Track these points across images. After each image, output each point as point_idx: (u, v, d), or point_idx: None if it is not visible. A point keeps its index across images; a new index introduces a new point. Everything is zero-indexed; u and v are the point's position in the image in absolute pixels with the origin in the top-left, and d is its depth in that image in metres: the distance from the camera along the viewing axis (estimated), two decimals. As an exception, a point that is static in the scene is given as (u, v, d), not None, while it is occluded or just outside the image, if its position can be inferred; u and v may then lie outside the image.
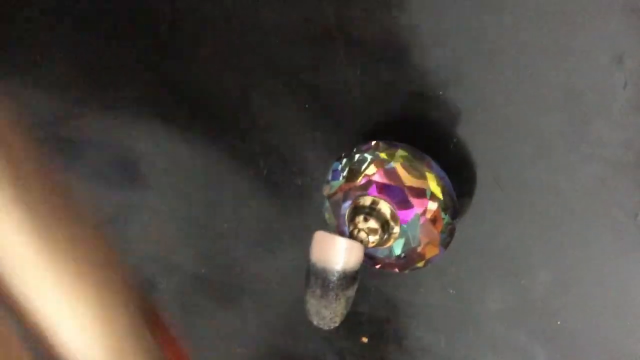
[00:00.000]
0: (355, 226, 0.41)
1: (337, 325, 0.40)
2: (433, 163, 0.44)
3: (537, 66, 0.45)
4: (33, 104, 0.61)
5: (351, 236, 0.41)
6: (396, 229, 0.42)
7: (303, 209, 0.55)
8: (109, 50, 0.57)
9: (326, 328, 0.40)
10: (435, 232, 0.43)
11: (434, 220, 0.43)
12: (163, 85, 0.56)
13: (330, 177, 0.46)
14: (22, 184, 0.43)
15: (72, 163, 0.62)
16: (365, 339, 0.56)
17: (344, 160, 0.45)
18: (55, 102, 0.61)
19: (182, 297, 0.62)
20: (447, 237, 0.44)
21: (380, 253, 0.44)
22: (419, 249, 0.43)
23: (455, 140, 0.48)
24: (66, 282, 0.44)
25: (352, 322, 0.56)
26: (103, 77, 0.58)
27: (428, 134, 0.49)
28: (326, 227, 0.52)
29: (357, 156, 0.44)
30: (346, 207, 0.43)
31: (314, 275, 0.38)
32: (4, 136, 0.45)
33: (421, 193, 0.42)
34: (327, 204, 0.46)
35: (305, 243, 0.55)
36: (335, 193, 0.45)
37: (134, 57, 0.56)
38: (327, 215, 0.47)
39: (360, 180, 0.43)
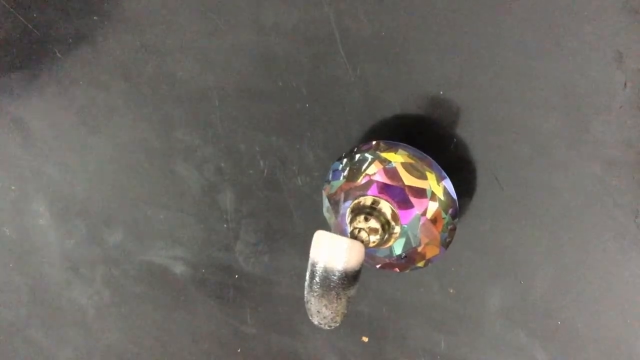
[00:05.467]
0: (356, 226, 0.41)
1: (338, 324, 0.39)
2: (433, 163, 0.44)
3: (537, 66, 0.45)
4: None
5: (352, 236, 0.41)
6: (397, 229, 0.42)
7: (303, 209, 0.55)
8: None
9: (327, 327, 0.40)
10: (436, 232, 0.43)
11: (434, 220, 0.43)
12: (166, 84, 0.56)
13: (330, 177, 0.46)
14: None
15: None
16: (365, 339, 0.56)
17: (345, 160, 0.45)
18: None
19: (182, 297, 0.62)
20: (448, 237, 0.44)
21: (381, 253, 0.44)
22: (420, 249, 0.43)
23: (455, 140, 0.48)
24: None
25: (352, 321, 0.56)
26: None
27: (428, 134, 0.49)
28: (327, 227, 0.52)
29: (357, 156, 0.44)
30: (347, 206, 0.43)
31: (315, 275, 0.38)
32: None
33: (422, 193, 0.42)
34: (327, 203, 0.46)
35: (305, 243, 0.56)
36: (335, 193, 0.45)
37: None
38: (327, 215, 0.47)
39: (361, 180, 0.43)
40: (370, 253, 0.44)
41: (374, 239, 0.41)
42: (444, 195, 0.43)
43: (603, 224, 0.46)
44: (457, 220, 0.44)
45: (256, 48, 0.52)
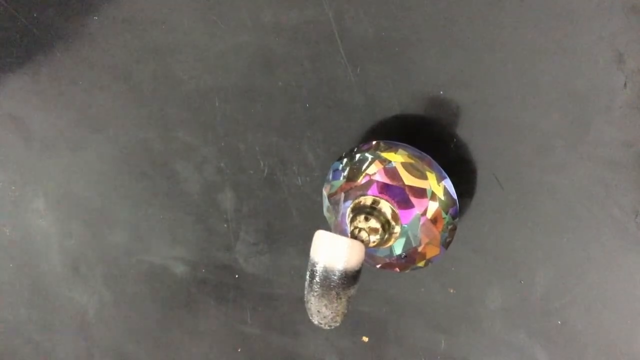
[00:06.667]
0: (356, 226, 0.41)
1: (338, 324, 0.39)
2: (434, 162, 0.44)
3: (537, 66, 0.45)
4: None
5: (352, 236, 0.41)
6: (397, 229, 0.42)
7: (303, 209, 0.55)
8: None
9: (327, 327, 0.40)
10: (436, 232, 0.43)
11: (434, 220, 0.43)
12: (166, 84, 0.56)
13: (330, 177, 0.46)
14: None
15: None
16: (365, 339, 0.56)
17: (345, 160, 0.45)
18: None
19: (182, 297, 0.62)
20: (448, 237, 0.44)
21: (381, 253, 0.44)
22: (420, 249, 0.43)
23: (455, 140, 0.48)
24: None
25: (352, 321, 0.55)
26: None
27: (428, 134, 0.49)
28: (327, 227, 0.52)
29: (357, 156, 0.44)
30: (347, 206, 0.43)
31: (315, 275, 0.38)
32: None
33: (422, 193, 0.42)
34: (327, 203, 0.46)
35: (305, 243, 0.56)
36: (335, 193, 0.45)
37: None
38: (327, 215, 0.47)
39: (361, 180, 0.43)
40: (370, 253, 0.44)
41: (374, 238, 0.41)
42: (444, 195, 0.43)
43: (603, 224, 0.46)
44: (457, 220, 0.44)
45: (256, 48, 0.52)
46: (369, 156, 0.44)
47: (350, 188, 0.44)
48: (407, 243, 0.43)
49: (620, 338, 0.48)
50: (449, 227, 0.44)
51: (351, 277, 0.38)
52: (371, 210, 0.41)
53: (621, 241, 0.46)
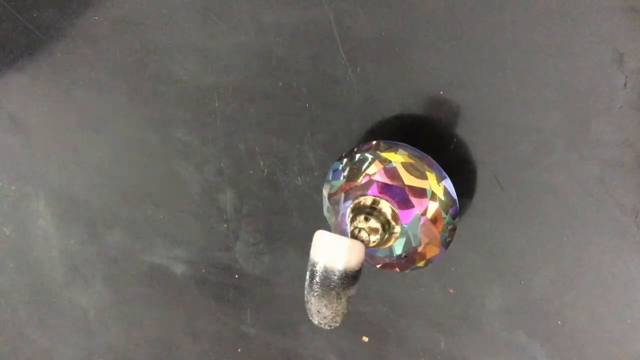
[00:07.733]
0: (356, 226, 0.41)
1: (338, 324, 0.39)
2: (434, 162, 0.44)
3: (537, 66, 0.45)
4: None
5: (352, 236, 0.41)
6: (397, 229, 0.42)
7: (303, 209, 0.55)
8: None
9: (327, 327, 0.40)
10: (436, 232, 0.43)
11: (434, 220, 0.43)
12: (166, 84, 0.56)
13: (330, 177, 0.46)
14: None
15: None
16: (365, 339, 0.56)
17: (345, 160, 0.45)
18: None
19: (182, 297, 0.62)
20: (448, 237, 0.44)
21: (381, 253, 0.44)
22: (420, 249, 0.43)
23: (455, 140, 0.48)
24: None
25: (352, 321, 0.56)
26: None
27: (428, 134, 0.49)
28: (327, 227, 0.52)
29: (357, 156, 0.44)
30: (347, 206, 0.43)
31: (315, 275, 0.38)
32: None
33: (422, 193, 0.42)
34: (327, 203, 0.46)
35: (305, 243, 0.56)
36: (335, 193, 0.45)
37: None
38: (327, 215, 0.47)
39: (361, 180, 0.43)
40: (370, 253, 0.44)
41: (374, 238, 0.41)
42: (444, 195, 0.43)
43: (603, 224, 0.46)
44: (457, 220, 0.44)
45: (256, 48, 0.52)
46: (369, 156, 0.44)
47: (350, 188, 0.44)
48: (407, 243, 0.43)
49: (620, 338, 0.48)
50: (449, 227, 0.44)
51: (351, 277, 0.38)
52: (371, 210, 0.41)
53: (621, 241, 0.46)
